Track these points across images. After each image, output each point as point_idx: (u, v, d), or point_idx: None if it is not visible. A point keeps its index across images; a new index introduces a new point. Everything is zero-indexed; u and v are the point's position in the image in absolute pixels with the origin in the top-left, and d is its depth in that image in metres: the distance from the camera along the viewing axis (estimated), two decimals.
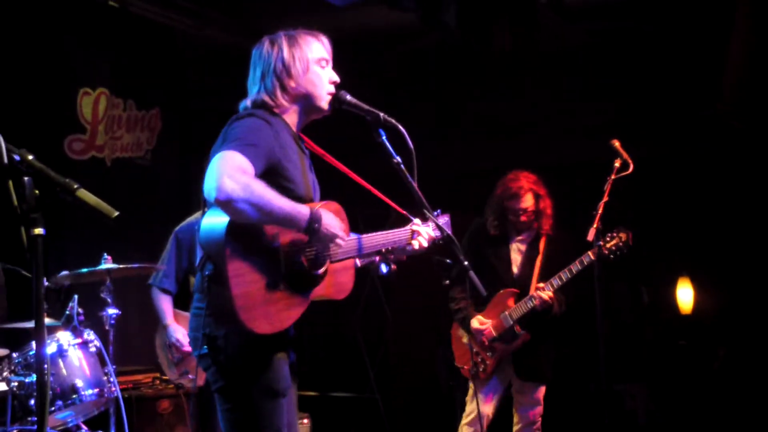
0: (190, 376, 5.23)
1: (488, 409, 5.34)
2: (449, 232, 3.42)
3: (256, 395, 3.01)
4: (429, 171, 3.37)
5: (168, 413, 5.97)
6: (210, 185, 2.82)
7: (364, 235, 3.37)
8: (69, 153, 6.64)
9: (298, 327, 3.16)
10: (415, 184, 3.28)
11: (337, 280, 3.20)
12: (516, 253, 5.41)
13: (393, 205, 3.54)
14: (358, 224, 3.50)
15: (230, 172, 2.82)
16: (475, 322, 5.31)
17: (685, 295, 7.66)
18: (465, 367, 5.38)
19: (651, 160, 6.04)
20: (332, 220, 3.08)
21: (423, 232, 3.51)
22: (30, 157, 2.30)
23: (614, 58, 7.05)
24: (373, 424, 8.03)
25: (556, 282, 5.13)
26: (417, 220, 3.53)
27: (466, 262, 3.34)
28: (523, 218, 5.32)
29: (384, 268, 3.74)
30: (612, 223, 4.93)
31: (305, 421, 6.24)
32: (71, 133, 6.66)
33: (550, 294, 5.13)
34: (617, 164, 4.82)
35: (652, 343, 7.71)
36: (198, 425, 5.30)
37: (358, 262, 3.65)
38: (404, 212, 3.54)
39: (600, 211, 4.76)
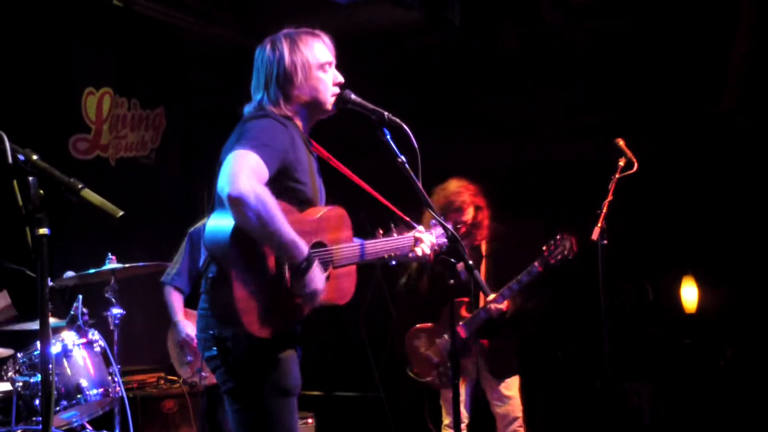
0: (203, 374, 5.24)
1: (462, 410, 5.33)
2: (453, 231, 3.41)
3: (266, 395, 3.01)
4: (431, 169, 3.36)
5: (173, 413, 5.97)
6: (223, 181, 2.81)
7: (367, 242, 3.36)
8: (73, 153, 6.64)
9: (303, 326, 3.16)
10: (419, 184, 3.27)
11: (339, 285, 3.20)
12: None
13: (396, 211, 3.53)
14: (364, 226, 3.50)
15: (247, 173, 2.82)
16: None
17: (689, 294, 7.65)
18: (428, 379, 5.39)
19: (655, 158, 6.02)
20: (320, 277, 3.01)
21: (426, 240, 3.50)
22: (35, 157, 2.30)
23: (618, 56, 7.04)
24: (378, 423, 8.03)
25: (506, 292, 5.16)
26: (420, 228, 3.52)
27: (471, 262, 3.33)
28: (462, 229, 5.34)
29: (393, 261, 3.73)
30: (615, 223, 4.92)
31: (310, 420, 6.24)
32: (76, 132, 6.66)
33: (501, 307, 5.16)
34: (622, 163, 4.79)
35: (656, 342, 7.70)
36: (205, 425, 5.31)
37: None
38: (407, 219, 3.53)
39: (605, 210, 4.74)
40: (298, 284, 2.95)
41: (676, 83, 7.00)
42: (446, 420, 5.42)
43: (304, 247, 2.92)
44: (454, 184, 5.40)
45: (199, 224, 5.37)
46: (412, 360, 5.52)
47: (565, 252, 5.04)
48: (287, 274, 2.98)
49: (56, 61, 6.46)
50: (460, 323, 5.24)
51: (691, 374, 7.31)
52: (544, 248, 5.10)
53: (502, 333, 5.30)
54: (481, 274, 5.31)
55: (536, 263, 5.09)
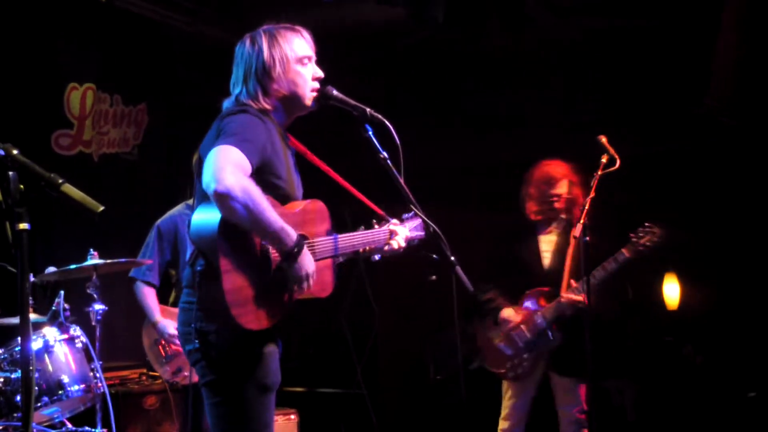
0: (184, 373, 5.20)
1: (523, 407, 5.30)
2: (435, 227, 3.41)
3: (245, 390, 3.02)
4: (420, 167, 3.37)
5: (155, 409, 5.96)
6: (209, 177, 2.83)
7: (341, 236, 3.37)
8: (56, 148, 6.62)
9: (285, 322, 3.16)
10: (401, 180, 3.28)
11: (320, 279, 3.20)
12: (546, 245, 5.35)
13: (370, 204, 3.54)
14: (345, 221, 3.50)
15: (231, 168, 2.83)
16: (508, 311, 5.24)
17: (671, 291, 7.67)
18: (502, 371, 5.28)
19: (639, 156, 6.05)
20: (311, 260, 3.06)
21: (400, 233, 3.53)
22: (14, 152, 2.29)
23: (603, 54, 7.06)
24: (361, 419, 8.03)
25: (590, 281, 5.02)
26: (394, 221, 3.54)
27: (452, 258, 3.32)
28: (559, 204, 5.28)
29: (376, 256, 3.72)
30: (595, 219, 4.92)
31: (292, 417, 6.25)
32: (58, 128, 6.63)
33: (579, 298, 5.00)
34: (604, 160, 4.82)
35: (637, 340, 7.72)
36: (188, 421, 5.28)
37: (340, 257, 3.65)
38: (381, 212, 3.55)
39: (587, 207, 4.76)
40: (291, 269, 2.98)
41: (661, 82, 7.03)
42: (503, 414, 5.34)
43: (293, 233, 2.96)
44: (549, 161, 5.39)
45: (166, 216, 5.32)
46: (487, 355, 5.36)
47: (655, 240, 5.00)
48: (274, 266, 2.99)
49: (40, 55, 6.43)
50: (539, 312, 5.18)
51: (672, 372, 7.33)
52: (631, 235, 5.05)
53: (580, 327, 4.97)
54: (567, 263, 5.17)
55: (624, 250, 5.03)
